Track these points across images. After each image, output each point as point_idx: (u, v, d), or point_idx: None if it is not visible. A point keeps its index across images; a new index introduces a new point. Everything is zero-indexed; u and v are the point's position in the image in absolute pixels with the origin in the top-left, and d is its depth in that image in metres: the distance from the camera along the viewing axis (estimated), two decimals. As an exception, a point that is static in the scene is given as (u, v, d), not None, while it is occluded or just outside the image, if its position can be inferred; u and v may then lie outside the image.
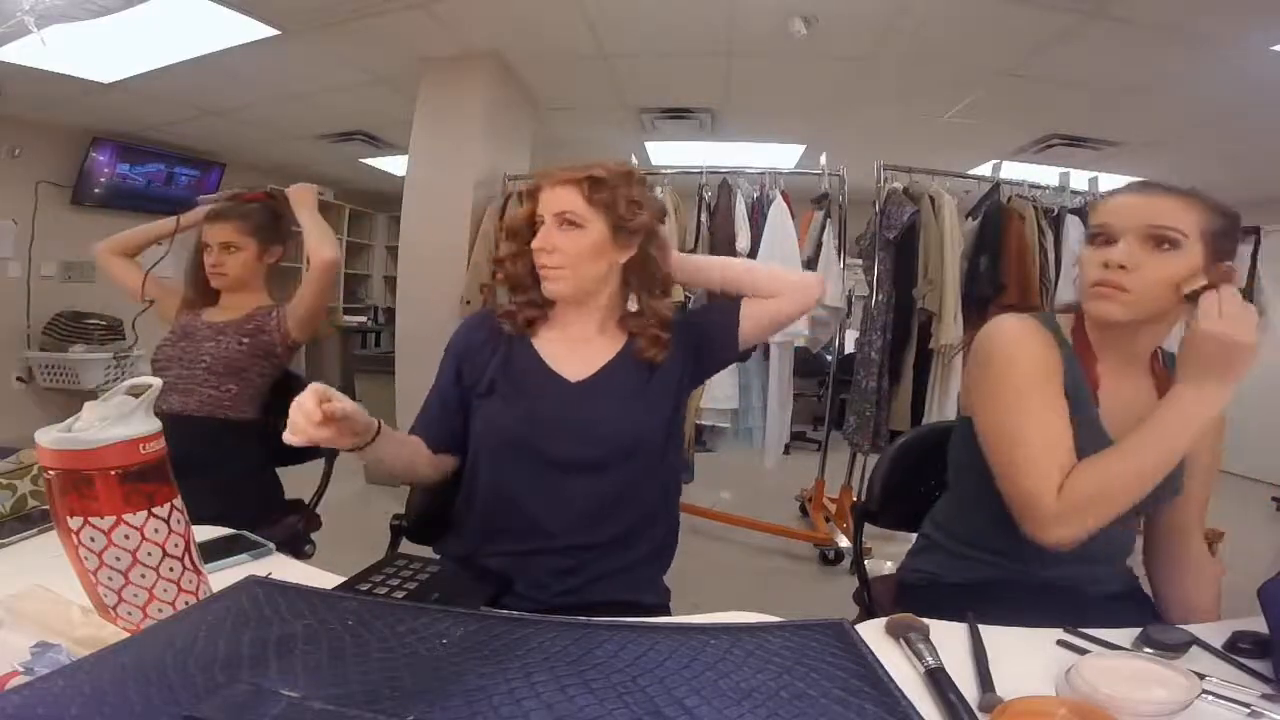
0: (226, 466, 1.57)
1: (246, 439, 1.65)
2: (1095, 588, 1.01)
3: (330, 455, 1.74)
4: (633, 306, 1.07)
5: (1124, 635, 0.74)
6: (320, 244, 1.68)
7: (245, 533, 0.98)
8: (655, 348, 1.04)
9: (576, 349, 1.06)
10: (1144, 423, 0.85)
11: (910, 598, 1.12)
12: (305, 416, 0.76)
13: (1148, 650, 0.71)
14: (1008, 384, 0.93)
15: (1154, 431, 0.84)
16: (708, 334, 1.10)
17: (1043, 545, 0.86)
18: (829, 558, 2.91)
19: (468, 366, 1.08)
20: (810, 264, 2.96)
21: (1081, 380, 0.95)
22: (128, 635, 0.61)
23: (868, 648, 0.62)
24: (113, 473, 0.64)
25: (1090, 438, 0.91)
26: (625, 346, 1.06)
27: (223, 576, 0.76)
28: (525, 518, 1.01)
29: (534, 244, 1.01)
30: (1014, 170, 3.43)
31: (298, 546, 1.64)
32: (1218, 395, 0.82)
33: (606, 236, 1.00)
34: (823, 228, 3.07)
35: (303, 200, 1.72)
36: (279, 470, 1.74)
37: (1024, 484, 0.88)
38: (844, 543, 2.88)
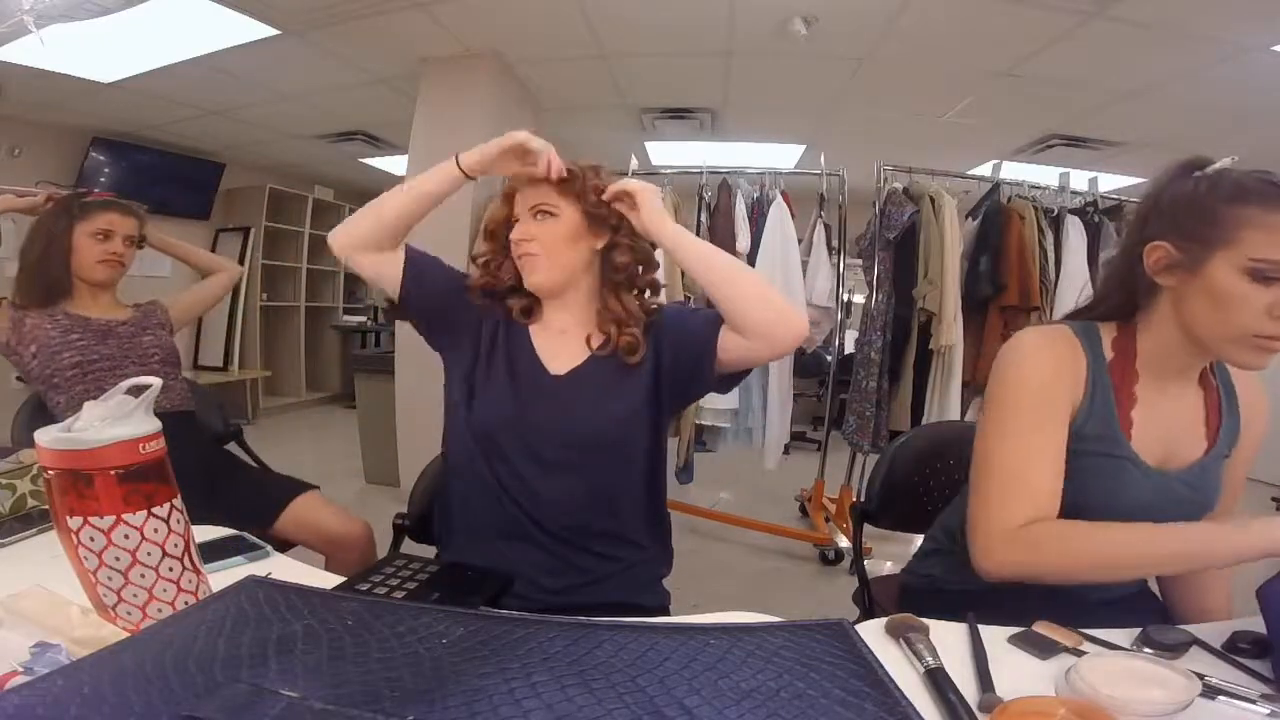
0: (214, 460, 1.58)
1: (205, 429, 1.68)
2: (1098, 593, 0.98)
3: (240, 438, 1.85)
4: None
5: (1124, 635, 0.74)
6: (224, 261, 1.86)
7: (245, 534, 0.98)
8: (628, 345, 1.02)
9: (562, 341, 1.07)
10: (1167, 526, 0.77)
11: (911, 600, 1.12)
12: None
13: (1147, 650, 0.70)
14: (998, 402, 0.88)
15: (1170, 534, 0.76)
16: (679, 358, 1.04)
17: (983, 571, 0.82)
18: (829, 558, 2.91)
19: (462, 300, 1.09)
20: (805, 264, 2.98)
21: (1111, 405, 0.88)
22: (127, 635, 0.61)
23: (868, 648, 0.62)
24: (112, 473, 0.64)
25: (1116, 467, 0.87)
26: (604, 342, 1.05)
27: (222, 577, 0.77)
28: (510, 512, 1.00)
29: (513, 235, 1.05)
30: (1014, 170, 3.43)
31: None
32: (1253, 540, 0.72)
33: (580, 222, 1.04)
34: (814, 226, 3.08)
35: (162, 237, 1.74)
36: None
37: (977, 509, 0.85)
38: (844, 543, 2.88)
